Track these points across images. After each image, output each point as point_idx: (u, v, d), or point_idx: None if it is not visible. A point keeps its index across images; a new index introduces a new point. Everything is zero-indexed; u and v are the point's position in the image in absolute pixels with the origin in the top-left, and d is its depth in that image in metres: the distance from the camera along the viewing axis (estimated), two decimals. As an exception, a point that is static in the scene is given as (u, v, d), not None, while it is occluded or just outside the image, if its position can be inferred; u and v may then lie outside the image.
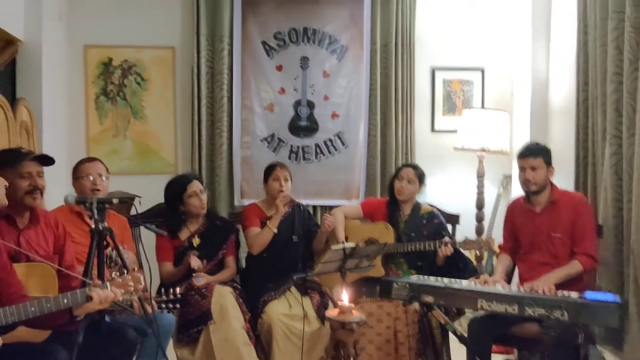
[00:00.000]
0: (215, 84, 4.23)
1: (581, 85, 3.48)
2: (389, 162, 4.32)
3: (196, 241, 3.22)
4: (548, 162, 2.97)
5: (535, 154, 2.94)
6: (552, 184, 3.02)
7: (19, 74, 3.51)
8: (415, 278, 2.94)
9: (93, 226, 2.34)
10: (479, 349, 2.84)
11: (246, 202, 4.09)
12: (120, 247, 2.44)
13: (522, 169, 2.97)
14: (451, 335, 2.99)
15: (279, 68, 4.34)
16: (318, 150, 4.39)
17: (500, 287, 2.76)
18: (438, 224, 3.41)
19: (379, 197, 4.19)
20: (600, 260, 3.07)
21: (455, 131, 4.33)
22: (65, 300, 1.97)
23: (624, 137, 3.00)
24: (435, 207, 3.57)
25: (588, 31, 3.39)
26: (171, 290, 2.78)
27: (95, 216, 2.34)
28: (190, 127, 4.23)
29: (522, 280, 3.01)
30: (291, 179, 3.48)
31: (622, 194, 3.03)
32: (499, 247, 3.23)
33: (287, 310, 3.15)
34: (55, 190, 2.71)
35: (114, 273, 2.13)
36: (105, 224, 2.36)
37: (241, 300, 3.15)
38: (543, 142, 3.20)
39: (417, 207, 3.45)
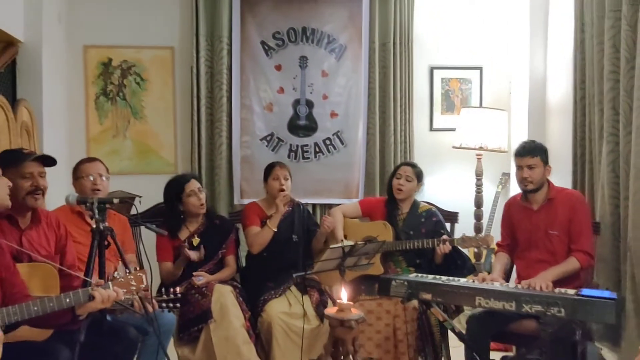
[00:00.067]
0: (215, 83, 4.25)
1: (578, 84, 3.51)
2: (388, 161, 4.34)
3: (196, 241, 3.24)
4: (545, 161, 2.98)
5: (532, 152, 2.96)
6: (549, 182, 3.04)
7: (19, 74, 3.52)
8: (413, 276, 2.96)
9: (94, 226, 2.35)
10: (477, 345, 2.86)
11: (246, 201, 4.11)
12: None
13: (519, 167, 2.99)
14: (450, 333, 3.00)
15: (278, 68, 4.35)
16: (317, 149, 4.41)
17: (497, 285, 2.78)
18: (436, 222, 3.42)
19: (378, 196, 4.21)
20: (597, 257, 3.10)
21: (453, 130, 4.36)
22: (67, 300, 1.98)
23: (620, 134, 3.02)
24: (433, 205, 3.58)
25: (585, 30, 3.41)
26: (171, 289, 2.80)
27: (96, 216, 2.36)
28: (190, 126, 4.25)
29: (520, 277, 3.03)
30: (291, 178, 3.50)
31: (619, 192, 3.06)
32: (497, 244, 3.25)
33: (286, 309, 3.17)
34: (56, 190, 2.73)
35: (116, 273, 2.15)
36: (106, 224, 2.38)
37: (241, 299, 3.17)
38: (541, 141, 3.22)
39: (415, 205, 3.47)
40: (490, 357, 2.93)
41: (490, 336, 2.95)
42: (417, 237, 3.31)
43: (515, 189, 3.25)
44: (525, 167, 2.95)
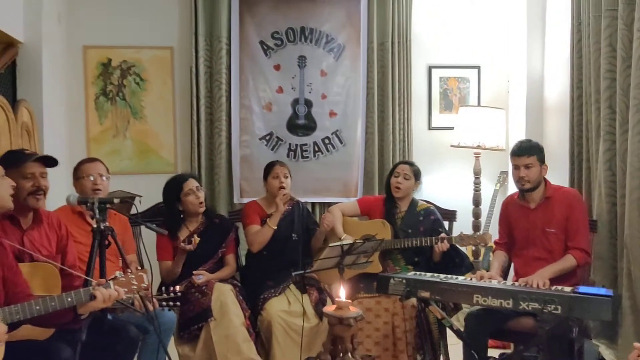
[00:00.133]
0: (214, 83, 4.26)
1: (575, 83, 3.52)
2: (387, 160, 4.36)
3: (196, 240, 3.26)
4: (541, 160, 3.00)
5: (529, 152, 2.97)
6: (545, 180, 3.06)
7: (20, 75, 3.53)
8: (412, 274, 2.98)
9: (95, 226, 2.37)
10: (476, 343, 2.88)
11: (245, 200, 4.12)
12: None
13: (515, 167, 3.01)
14: (449, 330, 3.02)
15: (277, 67, 4.37)
16: (316, 148, 4.43)
17: (495, 282, 2.80)
18: (434, 220, 3.44)
19: (377, 195, 4.22)
20: (594, 255, 3.11)
21: (452, 128, 4.38)
22: (69, 299, 2.00)
23: (617, 133, 3.04)
24: (432, 203, 3.60)
25: (582, 29, 3.42)
26: (171, 288, 2.81)
27: (97, 216, 2.38)
28: (190, 126, 4.27)
29: (518, 275, 3.04)
30: (290, 176, 3.52)
31: (615, 190, 3.08)
32: (495, 243, 3.27)
33: (286, 307, 3.19)
34: (56, 190, 2.74)
35: (118, 272, 2.16)
36: (107, 224, 2.40)
37: (241, 298, 3.19)
38: (538, 139, 3.24)
39: (413, 203, 3.49)
40: (489, 355, 2.94)
41: (489, 334, 2.97)
42: (415, 236, 3.33)
43: (513, 188, 3.27)
44: (522, 166, 2.97)
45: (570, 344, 2.61)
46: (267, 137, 4.39)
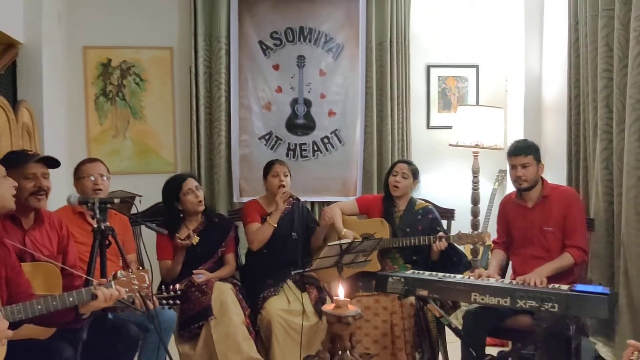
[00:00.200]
0: (213, 83, 4.28)
1: (572, 82, 3.54)
2: (385, 159, 4.37)
3: (195, 239, 3.28)
4: (538, 159, 3.02)
5: (525, 151, 2.99)
6: (542, 179, 3.07)
7: (20, 76, 3.54)
8: (410, 272, 3.00)
9: (95, 226, 2.39)
10: (474, 341, 2.89)
11: (245, 199, 4.13)
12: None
13: (512, 166, 3.03)
14: (447, 329, 3.04)
15: (276, 67, 4.38)
16: (315, 148, 4.45)
17: (493, 281, 2.82)
18: (432, 219, 3.45)
19: (376, 194, 4.24)
20: (591, 254, 3.13)
21: (450, 127, 4.40)
22: (71, 299, 2.01)
23: (614, 132, 3.06)
24: (430, 202, 3.62)
25: (579, 28, 3.45)
26: (172, 286, 2.83)
27: (98, 216, 2.40)
28: (189, 126, 4.28)
29: (516, 273, 3.05)
30: (290, 175, 3.53)
31: (612, 188, 3.10)
32: (493, 242, 3.29)
33: (286, 306, 3.20)
34: (56, 190, 2.75)
35: (119, 272, 2.18)
36: (107, 224, 2.42)
37: (241, 296, 3.21)
38: (536, 138, 3.25)
39: (412, 202, 3.51)
40: (487, 352, 2.96)
41: (487, 332, 2.99)
42: (413, 234, 3.34)
43: (511, 187, 3.29)
44: (519, 165, 2.98)
45: (568, 341, 2.62)
46: (267, 137, 4.41)
